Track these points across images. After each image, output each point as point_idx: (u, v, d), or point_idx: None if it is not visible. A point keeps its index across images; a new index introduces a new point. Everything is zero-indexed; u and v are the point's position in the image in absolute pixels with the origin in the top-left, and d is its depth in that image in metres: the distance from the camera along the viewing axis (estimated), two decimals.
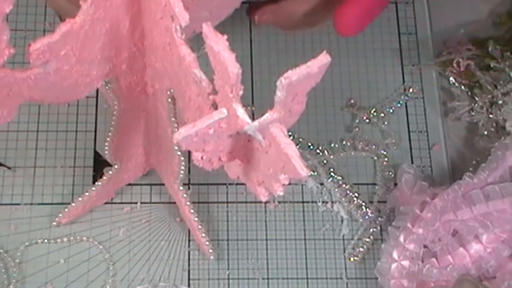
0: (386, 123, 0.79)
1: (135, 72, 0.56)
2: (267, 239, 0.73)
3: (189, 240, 0.72)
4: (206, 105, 0.46)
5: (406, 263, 0.68)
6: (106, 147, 0.62)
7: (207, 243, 0.70)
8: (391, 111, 0.79)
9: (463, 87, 0.80)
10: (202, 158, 0.45)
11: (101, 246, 0.71)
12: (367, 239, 0.73)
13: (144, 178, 0.74)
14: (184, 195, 0.66)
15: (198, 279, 0.71)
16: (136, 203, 0.74)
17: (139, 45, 0.53)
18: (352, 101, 0.79)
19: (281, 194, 0.45)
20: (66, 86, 0.51)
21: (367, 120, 0.79)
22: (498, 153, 0.70)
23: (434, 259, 0.68)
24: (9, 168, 0.73)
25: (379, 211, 0.75)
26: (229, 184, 0.75)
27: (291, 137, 0.74)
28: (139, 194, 0.74)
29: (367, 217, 0.74)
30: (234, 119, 0.42)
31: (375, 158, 0.77)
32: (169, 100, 0.55)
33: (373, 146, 0.77)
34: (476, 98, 0.78)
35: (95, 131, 0.76)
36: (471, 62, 0.79)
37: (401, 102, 0.80)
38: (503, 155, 0.70)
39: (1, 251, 0.70)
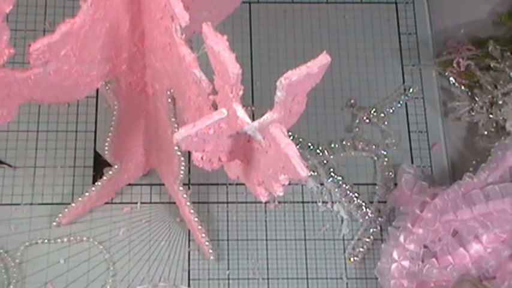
0: (386, 123, 0.79)
1: (135, 72, 0.56)
2: (267, 239, 0.73)
3: (189, 240, 0.72)
4: (206, 105, 0.46)
5: (406, 263, 0.68)
6: (106, 147, 0.62)
7: (207, 243, 0.70)
8: (391, 111, 0.79)
9: (463, 87, 0.80)
10: (202, 158, 0.45)
11: (101, 246, 0.71)
12: (367, 239, 0.73)
13: (144, 178, 0.74)
14: (184, 196, 0.66)
15: (198, 279, 0.71)
16: (136, 203, 0.73)
17: (140, 46, 0.53)
18: (352, 101, 0.79)
19: (281, 194, 0.45)
20: (66, 86, 0.51)
21: (367, 120, 0.79)
22: (498, 153, 0.70)
23: (434, 259, 0.68)
24: (10, 166, 0.73)
25: (379, 211, 0.75)
26: (229, 184, 0.75)
27: (291, 137, 0.74)
28: (140, 194, 0.74)
29: (367, 217, 0.74)
30: (234, 119, 0.42)
31: (375, 158, 0.77)
32: (169, 100, 0.55)
33: (373, 146, 0.77)
34: (476, 98, 0.78)
35: (95, 131, 0.76)
36: (471, 62, 0.79)
37: (401, 102, 0.80)
38: (503, 155, 0.69)
39: (1, 251, 0.70)
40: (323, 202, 0.75)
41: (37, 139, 0.75)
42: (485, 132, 0.77)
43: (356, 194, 0.75)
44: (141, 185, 0.74)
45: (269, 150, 0.42)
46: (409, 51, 0.83)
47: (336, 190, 0.75)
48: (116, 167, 0.67)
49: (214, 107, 0.45)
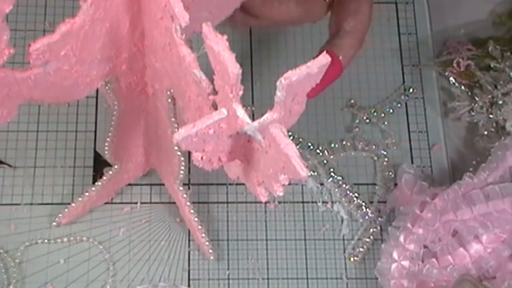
0: (386, 123, 0.79)
1: (135, 72, 0.56)
2: (267, 239, 0.73)
3: (189, 241, 0.72)
4: (206, 105, 0.46)
5: (406, 263, 0.68)
6: (106, 147, 0.62)
7: (207, 243, 0.70)
8: (391, 111, 0.79)
9: (463, 87, 0.80)
10: (202, 158, 0.45)
11: (101, 246, 0.71)
12: (367, 239, 0.73)
13: (144, 178, 0.74)
14: (184, 196, 0.66)
15: (198, 279, 0.71)
16: (136, 203, 0.73)
17: (140, 46, 0.53)
18: (352, 101, 0.79)
19: (281, 194, 0.45)
20: (66, 86, 0.51)
21: (367, 120, 0.79)
22: (498, 153, 0.70)
23: (434, 259, 0.68)
24: (10, 166, 0.73)
25: (379, 211, 0.75)
26: (229, 184, 0.75)
27: (291, 137, 0.74)
28: (139, 194, 0.74)
29: (367, 217, 0.74)
30: (234, 119, 0.42)
31: (375, 158, 0.77)
32: (169, 100, 0.55)
33: (373, 146, 0.77)
34: (476, 98, 0.78)
35: (95, 131, 0.76)
36: (471, 62, 0.79)
37: (401, 102, 0.80)
38: (503, 155, 0.69)
39: (1, 251, 0.70)
40: (323, 202, 0.75)
41: (37, 139, 0.75)
42: (485, 132, 0.77)
43: (356, 194, 0.75)
44: (141, 185, 0.74)
45: (269, 150, 0.42)
46: (409, 51, 0.83)
47: (336, 190, 0.75)
48: (116, 167, 0.67)
49: (214, 107, 0.45)
